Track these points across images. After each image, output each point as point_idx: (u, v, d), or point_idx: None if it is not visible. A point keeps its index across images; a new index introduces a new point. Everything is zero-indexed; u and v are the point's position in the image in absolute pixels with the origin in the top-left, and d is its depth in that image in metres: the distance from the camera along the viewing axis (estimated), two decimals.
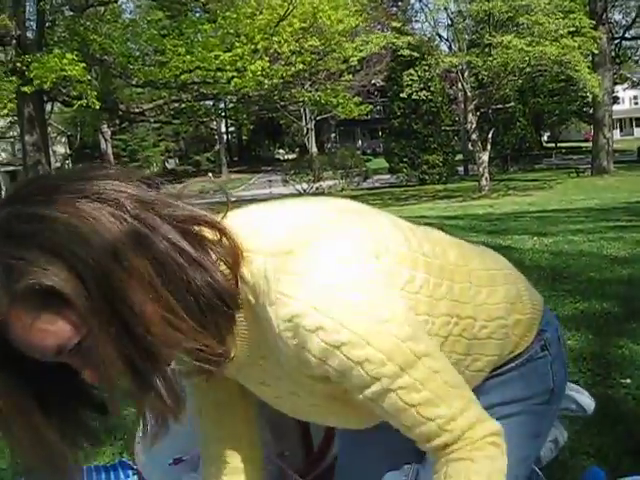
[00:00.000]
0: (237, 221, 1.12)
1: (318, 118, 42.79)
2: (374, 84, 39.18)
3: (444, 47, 33.68)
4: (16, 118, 20.66)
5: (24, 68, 16.07)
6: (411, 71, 28.53)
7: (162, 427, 1.09)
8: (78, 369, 1.02)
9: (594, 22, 25.94)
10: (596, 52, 26.95)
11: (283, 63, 18.98)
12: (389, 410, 1.08)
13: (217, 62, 17.49)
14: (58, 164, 38.79)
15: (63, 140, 46.52)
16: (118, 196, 0.98)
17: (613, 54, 34.11)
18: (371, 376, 1.03)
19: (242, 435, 1.44)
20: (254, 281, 1.06)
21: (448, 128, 36.43)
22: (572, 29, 25.15)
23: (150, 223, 0.99)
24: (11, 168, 42.79)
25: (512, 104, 33.47)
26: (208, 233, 1.06)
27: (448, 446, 1.11)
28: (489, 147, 29.48)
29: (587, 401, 1.89)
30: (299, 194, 23.38)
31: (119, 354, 0.97)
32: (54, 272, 0.92)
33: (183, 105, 24.34)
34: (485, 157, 29.05)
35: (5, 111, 17.40)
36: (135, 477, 2.19)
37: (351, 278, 1.04)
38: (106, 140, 39.08)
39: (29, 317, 0.94)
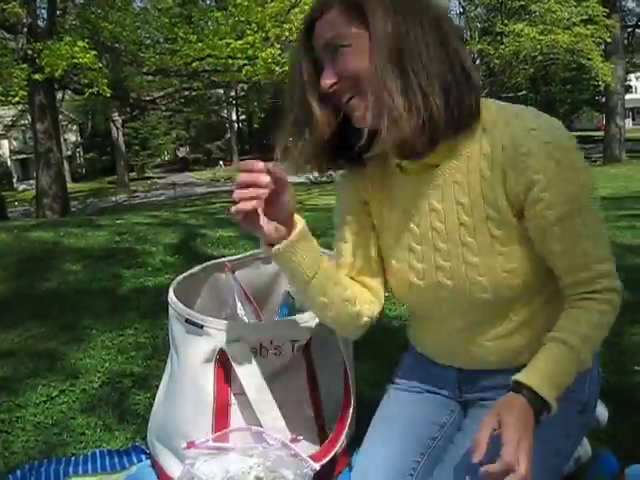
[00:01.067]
0: None
1: None
2: None
3: None
4: (27, 106, 20.66)
5: (35, 56, 16.04)
6: None
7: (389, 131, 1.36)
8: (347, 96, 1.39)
9: (607, 10, 25.62)
10: (609, 40, 26.64)
11: None
12: (562, 235, 1.39)
13: (228, 50, 17.41)
14: (69, 152, 38.94)
15: (74, 128, 46.67)
16: None
17: (626, 42, 33.75)
18: (575, 189, 1.41)
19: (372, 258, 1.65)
20: (499, 112, 1.44)
21: None
22: (585, 17, 24.94)
23: (448, 25, 1.38)
24: (22, 156, 42.98)
25: (524, 92, 33.24)
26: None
27: (581, 285, 1.41)
28: None
29: (602, 412, 1.91)
30: (310, 182, 23.31)
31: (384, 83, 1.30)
32: None
33: (194, 93, 24.37)
34: None
35: (16, 99, 17.34)
36: (148, 461, 2.20)
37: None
38: (117, 128, 39.03)
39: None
